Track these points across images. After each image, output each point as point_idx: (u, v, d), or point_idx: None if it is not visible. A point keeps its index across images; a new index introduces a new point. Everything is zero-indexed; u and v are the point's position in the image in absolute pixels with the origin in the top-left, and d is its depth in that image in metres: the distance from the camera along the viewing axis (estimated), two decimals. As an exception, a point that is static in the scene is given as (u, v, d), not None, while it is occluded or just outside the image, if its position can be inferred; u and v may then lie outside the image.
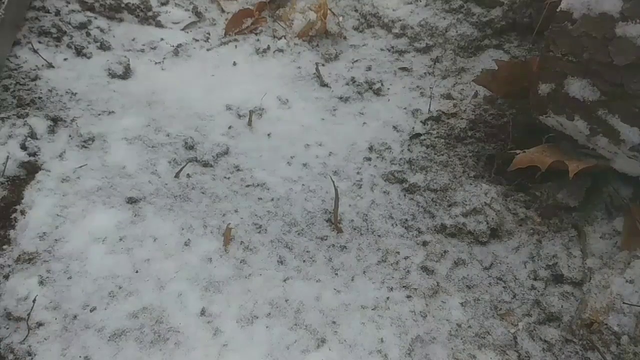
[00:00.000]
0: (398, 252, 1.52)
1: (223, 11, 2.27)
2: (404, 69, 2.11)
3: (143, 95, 1.89)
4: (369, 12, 2.27)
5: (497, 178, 1.71)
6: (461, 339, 1.35)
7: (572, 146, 1.59)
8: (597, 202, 1.61)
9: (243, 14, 2.22)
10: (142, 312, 1.31)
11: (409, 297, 1.42)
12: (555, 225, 1.59)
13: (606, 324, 1.30)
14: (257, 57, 2.12)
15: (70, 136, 1.67)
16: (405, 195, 1.67)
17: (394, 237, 1.56)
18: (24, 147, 1.58)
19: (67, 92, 1.81)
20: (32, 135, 1.63)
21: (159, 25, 2.16)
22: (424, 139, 1.84)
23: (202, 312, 1.33)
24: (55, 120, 1.69)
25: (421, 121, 1.91)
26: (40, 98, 1.75)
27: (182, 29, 2.18)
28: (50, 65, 1.87)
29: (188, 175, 1.65)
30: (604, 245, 1.51)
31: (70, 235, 1.43)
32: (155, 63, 2.02)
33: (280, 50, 2.14)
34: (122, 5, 2.12)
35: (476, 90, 1.97)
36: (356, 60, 2.15)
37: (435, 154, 1.79)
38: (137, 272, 1.39)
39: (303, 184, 1.68)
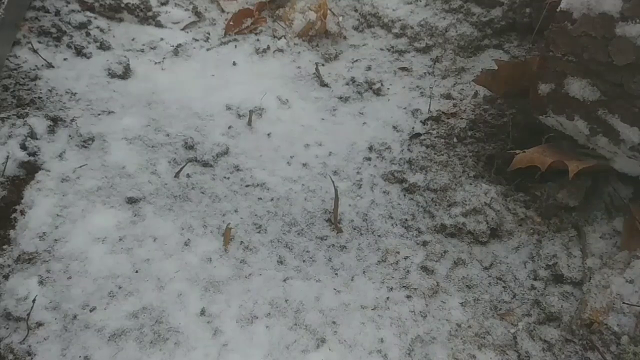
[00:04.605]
0: (398, 252, 1.52)
1: (223, 11, 2.27)
2: (403, 68, 2.11)
3: (143, 95, 1.89)
4: (369, 12, 2.27)
5: (497, 178, 1.71)
6: (461, 339, 1.35)
7: (572, 146, 1.59)
8: (597, 202, 1.61)
9: (243, 14, 2.22)
10: (142, 312, 1.31)
11: (408, 297, 1.42)
12: (555, 225, 1.59)
13: (606, 324, 1.30)
14: (257, 57, 2.12)
15: (70, 136, 1.67)
16: (405, 195, 1.67)
17: (393, 237, 1.56)
18: (23, 147, 1.58)
19: (67, 92, 1.80)
20: (32, 135, 1.62)
21: (158, 25, 2.16)
22: (424, 139, 1.84)
23: (202, 312, 1.33)
24: (55, 120, 1.69)
25: (421, 121, 1.91)
26: (40, 98, 1.75)
27: (182, 29, 2.18)
28: (50, 65, 1.87)
29: (188, 175, 1.65)
30: (604, 245, 1.51)
31: (70, 235, 1.43)
32: (155, 63, 2.01)
33: (280, 50, 2.14)
34: (122, 5, 2.12)
35: (476, 90, 1.97)
36: (356, 60, 2.15)
37: (435, 154, 1.79)
38: (137, 272, 1.39)
39: (303, 184, 1.68)
